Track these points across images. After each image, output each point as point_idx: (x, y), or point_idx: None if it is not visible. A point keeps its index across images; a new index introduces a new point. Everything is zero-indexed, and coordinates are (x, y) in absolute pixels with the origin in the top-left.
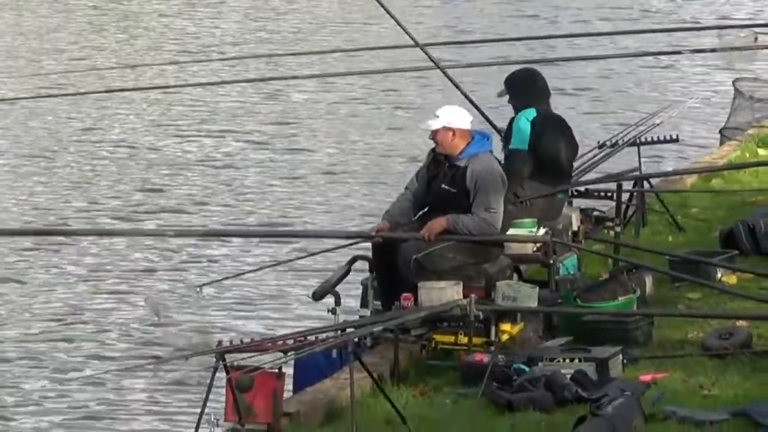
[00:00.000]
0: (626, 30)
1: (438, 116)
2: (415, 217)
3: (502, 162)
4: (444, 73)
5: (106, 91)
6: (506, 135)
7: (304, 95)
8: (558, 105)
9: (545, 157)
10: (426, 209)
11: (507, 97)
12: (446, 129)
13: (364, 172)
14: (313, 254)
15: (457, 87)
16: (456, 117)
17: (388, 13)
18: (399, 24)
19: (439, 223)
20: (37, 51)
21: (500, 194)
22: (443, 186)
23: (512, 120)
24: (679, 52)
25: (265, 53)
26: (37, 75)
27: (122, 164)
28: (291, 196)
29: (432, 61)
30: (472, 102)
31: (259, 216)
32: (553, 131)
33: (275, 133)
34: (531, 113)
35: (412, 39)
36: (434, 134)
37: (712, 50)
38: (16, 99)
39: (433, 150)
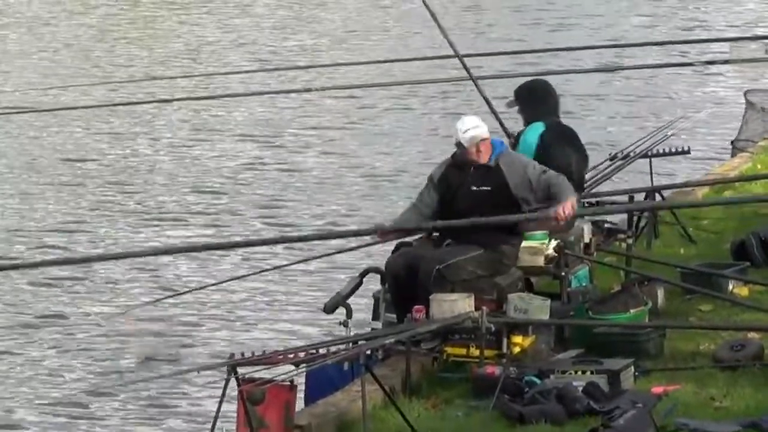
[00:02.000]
0: (643, 42)
1: (479, 125)
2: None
3: None
4: (476, 84)
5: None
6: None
7: (333, 105)
8: (570, 116)
9: (556, 170)
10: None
11: (517, 108)
12: (485, 139)
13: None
14: (316, 257)
15: (486, 99)
16: (484, 125)
17: (436, 22)
18: (444, 33)
19: (572, 204)
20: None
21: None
22: (473, 188)
23: (521, 132)
24: (691, 64)
25: (297, 65)
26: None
27: (144, 173)
28: (314, 202)
29: (467, 72)
30: (495, 114)
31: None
32: (562, 144)
33: (307, 142)
34: (539, 127)
35: (453, 49)
36: (481, 144)
37: (725, 62)
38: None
39: (453, 159)
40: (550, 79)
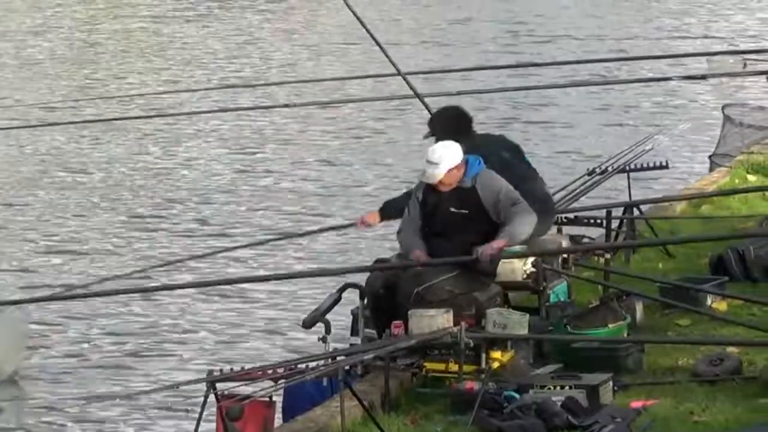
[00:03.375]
0: (620, 57)
1: (438, 163)
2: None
3: None
4: (423, 102)
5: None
6: None
7: (280, 123)
8: (549, 127)
9: None
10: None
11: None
12: (450, 171)
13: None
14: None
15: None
16: (453, 154)
17: (374, 40)
18: (384, 51)
19: (497, 246)
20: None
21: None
22: (452, 209)
23: None
24: (669, 78)
25: (248, 84)
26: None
27: (134, 186)
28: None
29: (412, 90)
30: None
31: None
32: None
33: (248, 161)
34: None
35: (395, 67)
36: (443, 179)
37: (702, 77)
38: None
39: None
40: (527, 92)
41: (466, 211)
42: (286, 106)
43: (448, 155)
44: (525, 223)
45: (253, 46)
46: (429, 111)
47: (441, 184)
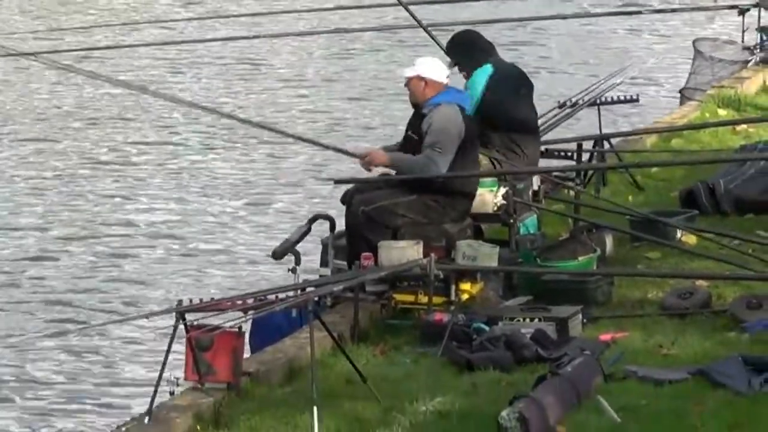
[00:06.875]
0: None
1: (414, 65)
2: None
3: None
4: (428, 32)
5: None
6: None
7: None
8: (518, 64)
9: (510, 115)
10: None
11: (456, 65)
12: (419, 78)
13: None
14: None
15: (441, 47)
16: (431, 68)
17: None
18: None
19: (379, 157)
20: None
21: (451, 139)
22: (409, 132)
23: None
24: (639, 12)
25: (243, 13)
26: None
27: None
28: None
29: (415, 20)
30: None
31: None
32: (512, 88)
33: (246, 97)
34: (487, 69)
35: None
36: (408, 82)
37: (673, 11)
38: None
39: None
40: (496, 26)
41: (417, 138)
42: (287, 35)
43: (424, 64)
44: (415, 163)
45: None
46: (436, 41)
47: (409, 90)
